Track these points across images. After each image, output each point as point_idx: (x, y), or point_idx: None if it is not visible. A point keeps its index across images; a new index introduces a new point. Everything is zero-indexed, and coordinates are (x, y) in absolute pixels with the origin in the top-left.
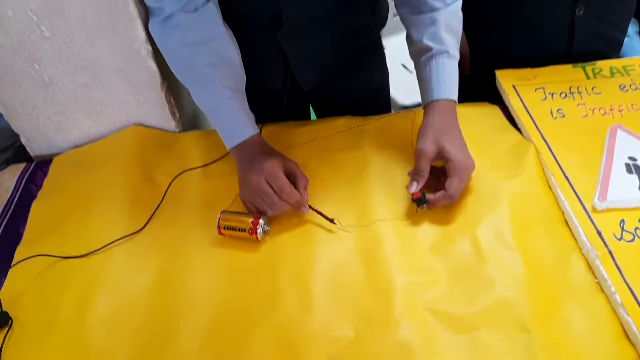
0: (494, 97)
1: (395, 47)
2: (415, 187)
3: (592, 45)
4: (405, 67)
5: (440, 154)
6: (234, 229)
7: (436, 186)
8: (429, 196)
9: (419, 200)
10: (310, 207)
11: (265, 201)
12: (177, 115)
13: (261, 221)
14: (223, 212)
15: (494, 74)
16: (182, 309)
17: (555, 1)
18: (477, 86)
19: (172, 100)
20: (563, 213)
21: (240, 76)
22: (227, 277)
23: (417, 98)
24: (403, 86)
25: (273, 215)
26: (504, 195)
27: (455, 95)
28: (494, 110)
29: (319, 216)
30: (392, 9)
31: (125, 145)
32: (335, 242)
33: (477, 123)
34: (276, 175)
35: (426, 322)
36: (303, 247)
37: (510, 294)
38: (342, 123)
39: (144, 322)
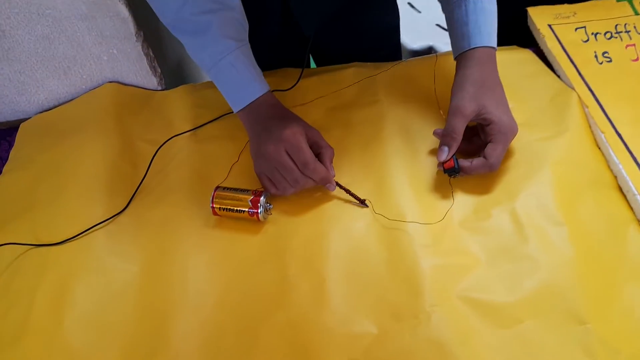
0: (522, 41)
1: None
2: (446, 154)
3: None
4: (412, 6)
5: (481, 115)
6: (230, 209)
7: (467, 150)
8: (462, 163)
9: (451, 170)
10: (338, 184)
11: (285, 177)
12: (158, 70)
13: (262, 199)
14: (217, 188)
15: (524, 13)
16: (174, 303)
17: None
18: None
19: (151, 53)
20: (616, 177)
21: (242, 23)
22: (226, 265)
23: (426, 41)
24: (410, 28)
25: (293, 193)
26: (546, 159)
27: (495, 42)
28: (527, 55)
29: (337, 192)
30: None
31: (99, 107)
32: (349, 220)
33: (507, 71)
34: (299, 146)
35: (461, 315)
36: (313, 227)
37: (559, 278)
38: (350, 72)
39: (131, 321)
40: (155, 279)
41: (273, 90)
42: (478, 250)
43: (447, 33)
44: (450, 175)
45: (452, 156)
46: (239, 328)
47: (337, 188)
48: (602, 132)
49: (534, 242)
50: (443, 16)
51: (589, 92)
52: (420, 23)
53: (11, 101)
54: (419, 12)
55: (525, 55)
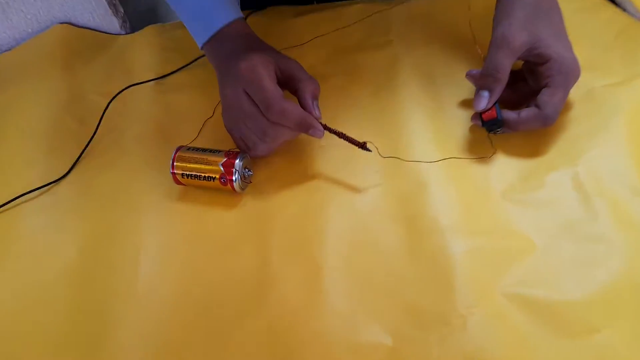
0: None
1: None
2: (486, 100)
3: None
4: None
5: (534, 49)
6: (196, 176)
7: (509, 100)
8: (507, 114)
9: (492, 123)
10: (325, 126)
11: (251, 128)
12: (121, 10)
13: (238, 162)
14: (180, 148)
15: None
16: (121, 299)
17: None
18: None
19: None
20: None
21: None
22: (191, 249)
23: None
24: None
25: (268, 151)
26: (616, 110)
27: None
28: None
29: (329, 145)
30: None
31: (45, 53)
32: (353, 190)
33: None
34: (257, 83)
35: (509, 319)
36: (305, 199)
37: None
38: (357, 8)
39: (63, 321)
40: (98, 266)
41: (249, 14)
42: (529, 230)
43: None
44: (489, 131)
45: (494, 104)
46: (206, 333)
47: (333, 137)
48: None
49: (607, 218)
50: None
51: None
52: None
53: None
54: None
55: None
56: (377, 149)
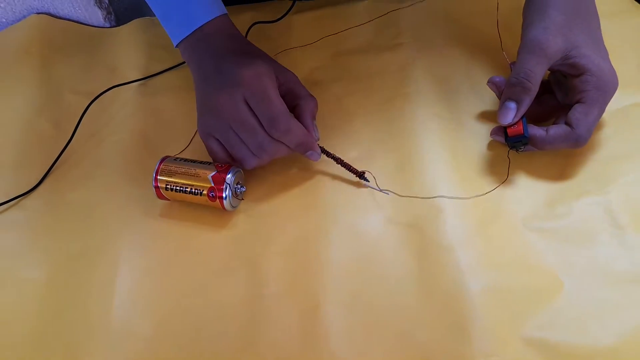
0: None
1: None
2: (514, 113)
3: None
4: None
5: (570, 58)
6: (182, 189)
7: (534, 114)
8: (533, 130)
9: (517, 139)
10: (323, 150)
11: (245, 140)
12: (105, 1)
13: (229, 176)
14: (165, 159)
15: None
16: (92, 333)
17: None
18: None
19: None
20: None
21: None
22: (173, 276)
23: None
24: None
25: (258, 165)
26: None
27: None
28: None
29: (335, 166)
30: None
31: (19, 47)
32: (359, 213)
33: None
34: (265, 94)
35: None
36: (303, 222)
37: None
38: (364, 6)
39: (29, 353)
40: (68, 293)
41: (255, 24)
42: (555, 266)
43: None
44: (513, 148)
45: (521, 117)
46: None
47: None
48: None
49: None
50: None
51: None
52: None
53: None
54: None
55: None
56: (375, 179)
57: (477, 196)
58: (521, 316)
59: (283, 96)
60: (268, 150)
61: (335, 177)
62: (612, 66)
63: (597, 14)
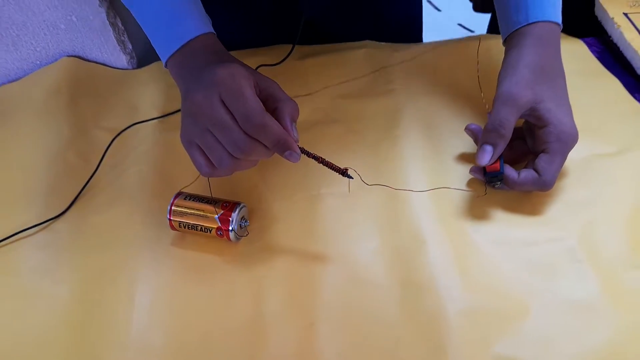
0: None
1: None
2: (490, 155)
3: None
4: (431, 3)
5: (536, 111)
6: (193, 227)
7: (507, 158)
8: (509, 171)
9: (493, 175)
10: (303, 150)
11: (222, 140)
12: (129, 46)
13: (235, 215)
14: (178, 195)
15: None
16: (112, 345)
17: None
18: None
19: (119, 23)
20: None
21: None
22: (185, 295)
23: None
24: (429, 28)
25: (235, 169)
26: (613, 181)
27: (560, 18)
28: (579, 47)
29: (326, 195)
30: None
31: (50, 86)
32: (350, 239)
33: None
34: (239, 91)
35: None
36: (301, 251)
37: (635, 341)
38: (362, 54)
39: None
40: (90, 307)
41: (260, 66)
42: (524, 293)
43: (470, 33)
44: (490, 183)
45: (499, 157)
46: None
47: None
48: None
49: (598, 288)
50: (465, 15)
51: None
52: (441, 22)
53: None
54: (439, 10)
55: (576, 47)
56: (359, 175)
57: (459, 189)
58: (492, 336)
59: (264, 101)
60: (244, 148)
61: (333, 214)
62: (573, 120)
63: (564, 73)
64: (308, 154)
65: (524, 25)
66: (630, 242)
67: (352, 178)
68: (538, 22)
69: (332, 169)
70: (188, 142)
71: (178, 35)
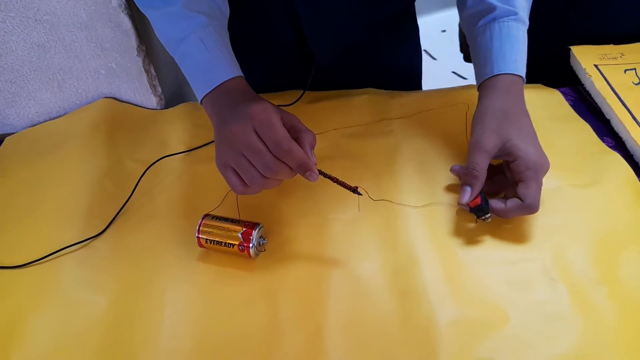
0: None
1: None
2: (469, 194)
3: None
4: (428, 53)
5: (505, 149)
6: (218, 243)
7: (490, 191)
8: (496, 204)
9: (478, 209)
10: (321, 172)
11: (254, 162)
12: (159, 89)
13: (255, 233)
14: (205, 216)
15: (562, 52)
16: (145, 345)
17: None
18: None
19: (153, 70)
20: None
21: (220, 6)
22: (208, 304)
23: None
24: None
25: (264, 187)
26: (581, 209)
27: (523, 71)
28: (554, 96)
29: (334, 220)
30: None
31: (90, 123)
32: (354, 257)
33: (530, 109)
34: (270, 123)
35: None
36: (312, 265)
37: (597, 344)
38: (364, 99)
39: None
40: (126, 314)
41: (281, 105)
42: (505, 304)
43: (464, 81)
44: (478, 217)
45: (480, 194)
46: None
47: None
48: None
49: (568, 300)
50: (459, 63)
51: None
52: (436, 70)
53: (0, 113)
54: (435, 59)
55: (552, 96)
56: (366, 192)
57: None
58: (477, 342)
59: (287, 131)
60: (273, 168)
61: (340, 236)
62: (540, 150)
63: (527, 113)
64: (324, 175)
65: (490, 77)
66: (595, 262)
67: (362, 194)
68: (501, 74)
69: (345, 187)
70: (223, 165)
71: (214, 78)
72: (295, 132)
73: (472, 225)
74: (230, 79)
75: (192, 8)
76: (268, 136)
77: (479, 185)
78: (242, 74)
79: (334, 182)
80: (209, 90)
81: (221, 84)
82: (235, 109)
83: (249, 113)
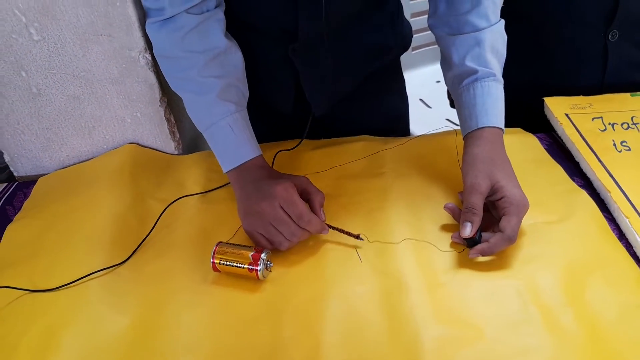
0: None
1: (413, 81)
2: (470, 229)
3: (628, 76)
4: (423, 102)
5: (494, 190)
6: (231, 264)
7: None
8: (483, 247)
9: (473, 241)
10: (329, 226)
11: (282, 231)
12: (177, 135)
13: (263, 256)
14: (219, 244)
15: (538, 102)
16: (162, 359)
17: (585, 25)
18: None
19: (172, 119)
20: None
21: (244, 92)
22: (220, 323)
23: None
24: (421, 122)
25: (290, 246)
26: (551, 242)
27: (502, 124)
28: (531, 140)
29: (333, 248)
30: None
31: (116, 166)
32: (350, 281)
33: (508, 152)
34: (292, 200)
35: None
36: (313, 288)
37: (566, 359)
38: (360, 146)
39: None
40: (146, 332)
41: (279, 152)
42: (481, 322)
43: (455, 127)
44: (470, 247)
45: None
46: None
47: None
48: (627, 217)
49: (538, 321)
50: (453, 111)
51: (610, 179)
52: (431, 117)
53: (34, 156)
54: (430, 107)
55: (529, 141)
56: (367, 237)
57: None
58: (457, 355)
59: (300, 194)
60: (297, 234)
61: (337, 261)
62: (522, 191)
63: (508, 159)
64: (332, 228)
65: (475, 130)
66: (563, 287)
67: (363, 240)
68: (486, 127)
69: (349, 235)
70: (252, 231)
71: (238, 157)
72: (307, 194)
73: (455, 254)
74: (252, 158)
75: (224, 97)
76: (292, 211)
77: (478, 221)
78: (261, 152)
79: (340, 232)
80: (233, 167)
81: (243, 162)
82: (258, 185)
83: (274, 192)
